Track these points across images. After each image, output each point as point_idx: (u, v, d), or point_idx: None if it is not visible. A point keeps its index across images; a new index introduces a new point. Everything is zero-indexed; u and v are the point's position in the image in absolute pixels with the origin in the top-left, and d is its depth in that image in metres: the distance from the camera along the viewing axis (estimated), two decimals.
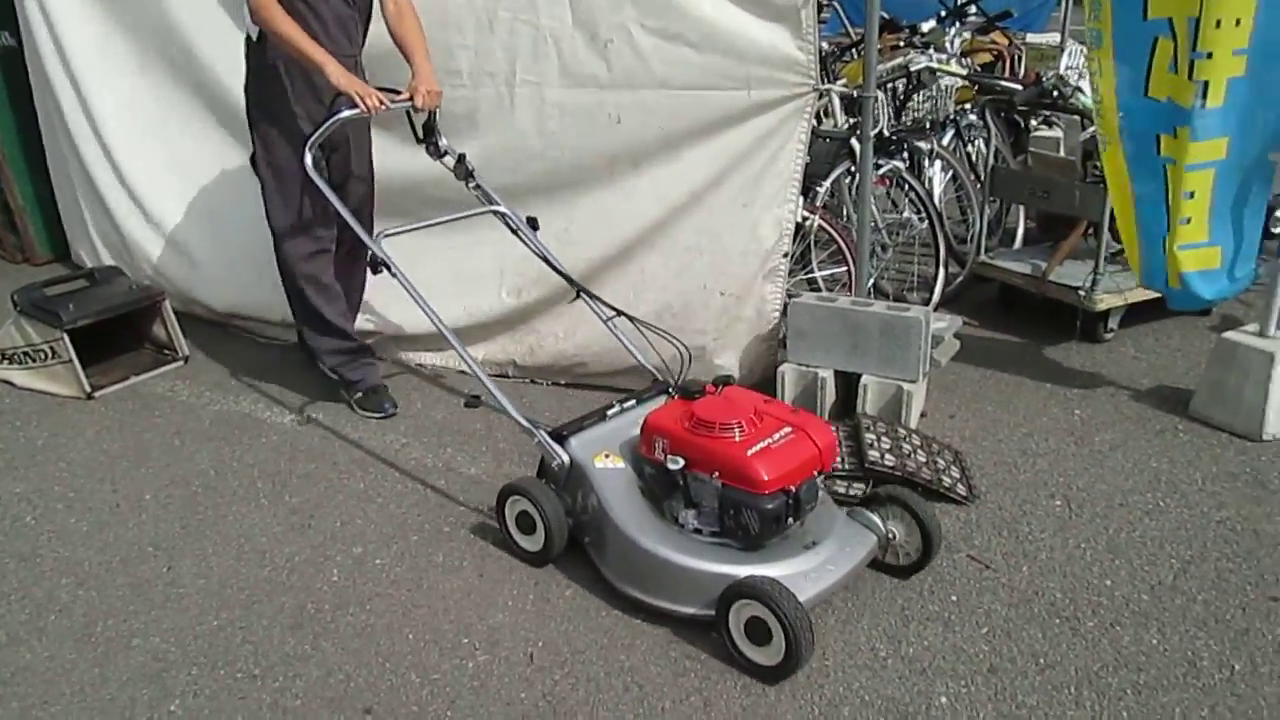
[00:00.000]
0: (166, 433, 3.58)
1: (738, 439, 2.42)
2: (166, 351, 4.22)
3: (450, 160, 3.31)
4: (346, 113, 3.06)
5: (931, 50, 5.08)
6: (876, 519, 2.57)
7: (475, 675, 2.33)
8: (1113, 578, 2.62)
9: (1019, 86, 4.90)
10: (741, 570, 2.32)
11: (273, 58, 3.20)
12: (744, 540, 2.43)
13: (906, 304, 3.52)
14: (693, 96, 3.35)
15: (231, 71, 3.61)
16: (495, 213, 3.24)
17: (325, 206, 3.27)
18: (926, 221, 4.28)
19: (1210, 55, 3.09)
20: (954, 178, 4.85)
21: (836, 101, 4.47)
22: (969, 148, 4.99)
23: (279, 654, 2.42)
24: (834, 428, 2.56)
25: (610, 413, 2.79)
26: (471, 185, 3.27)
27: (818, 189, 4.09)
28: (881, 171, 4.15)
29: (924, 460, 3.04)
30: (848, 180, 4.19)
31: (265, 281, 4.00)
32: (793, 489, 2.39)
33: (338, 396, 3.73)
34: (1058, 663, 2.32)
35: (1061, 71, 5.54)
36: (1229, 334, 3.44)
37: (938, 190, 4.76)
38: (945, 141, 4.90)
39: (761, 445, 2.41)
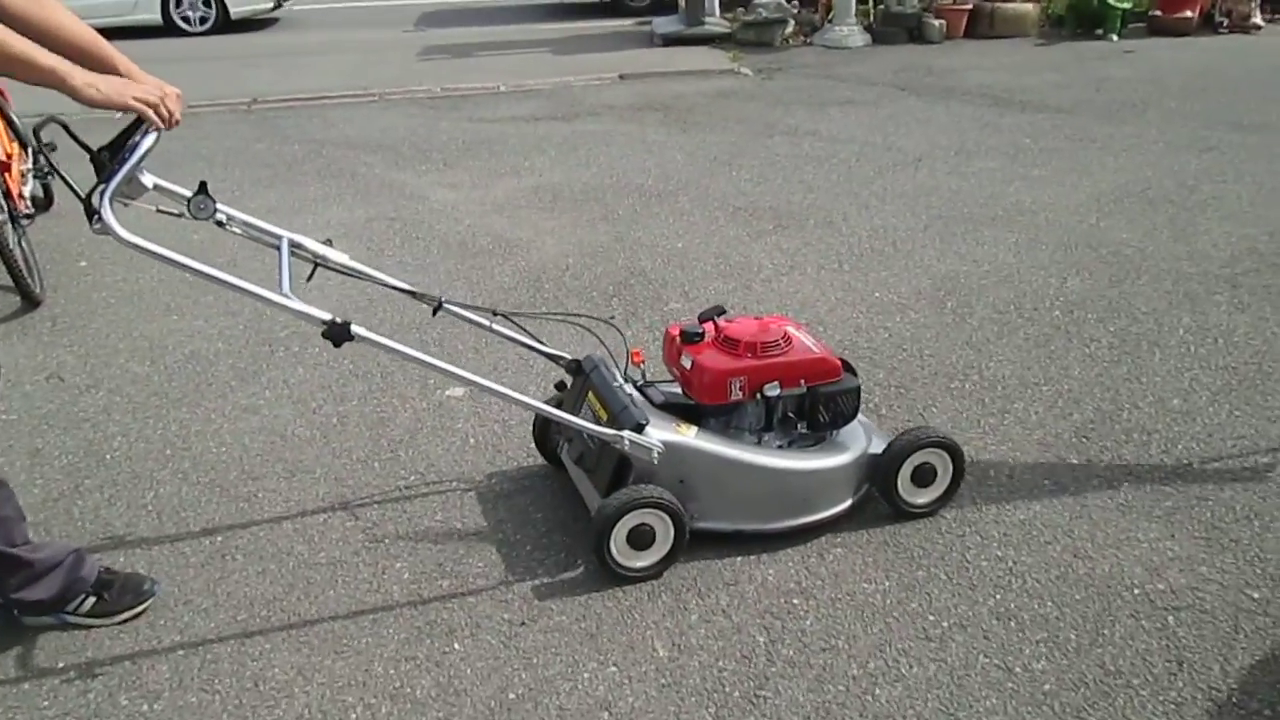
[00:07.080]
0: None
1: (800, 346, 2.63)
2: None
3: (173, 201, 2.19)
4: (151, 136, 1.99)
5: None
6: None
7: None
8: None
9: None
10: (864, 447, 2.65)
11: None
12: (836, 426, 2.67)
13: None
14: None
15: None
16: (292, 243, 2.36)
17: None
18: None
19: None
20: None
21: None
22: None
23: None
24: None
25: (632, 394, 2.59)
26: (225, 220, 2.29)
27: None
28: None
29: None
30: None
31: None
32: None
33: None
34: None
35: None
36: None
37: None
38: None
39: (811, 342, 2.66)
